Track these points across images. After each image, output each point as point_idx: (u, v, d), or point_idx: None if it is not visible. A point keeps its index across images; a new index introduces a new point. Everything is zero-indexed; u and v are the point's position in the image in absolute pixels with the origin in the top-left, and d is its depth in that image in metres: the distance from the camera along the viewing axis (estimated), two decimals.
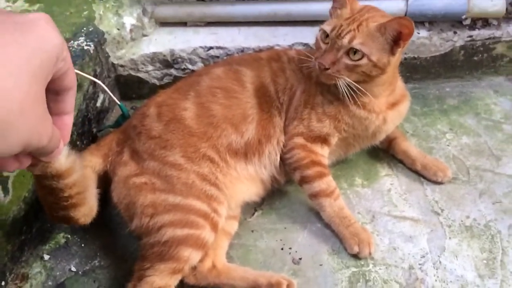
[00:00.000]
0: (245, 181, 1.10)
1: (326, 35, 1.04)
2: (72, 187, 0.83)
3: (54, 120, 0.49)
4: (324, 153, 1.13)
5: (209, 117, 1.07)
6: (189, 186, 1.00)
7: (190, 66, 1.43)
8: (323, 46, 1.05)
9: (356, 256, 1.06)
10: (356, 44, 0.99)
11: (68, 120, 0.51)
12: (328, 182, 1.10)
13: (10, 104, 0.39)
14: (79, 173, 0.83)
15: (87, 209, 0.93)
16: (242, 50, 1.41)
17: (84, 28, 1.33)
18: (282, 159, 1.13)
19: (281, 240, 1.11)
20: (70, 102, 0.50)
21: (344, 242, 1.08)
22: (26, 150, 0.43)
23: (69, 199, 0.86)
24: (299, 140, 1.11)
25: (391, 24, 0.97)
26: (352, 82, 1.02)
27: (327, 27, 1.04)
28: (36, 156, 0.49)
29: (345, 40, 1.00)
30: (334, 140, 1.13)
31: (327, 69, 1.02)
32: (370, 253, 1.05)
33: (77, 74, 1.18)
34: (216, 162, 1.05)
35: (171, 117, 1.06)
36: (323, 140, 1.12)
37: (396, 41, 0.99)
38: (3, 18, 0.42)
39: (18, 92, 0.39)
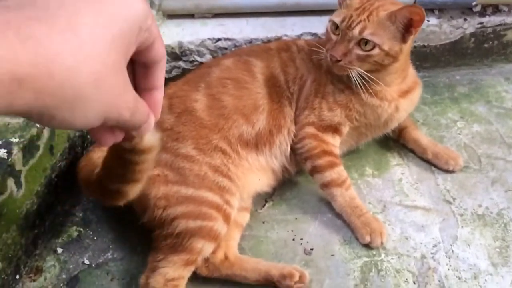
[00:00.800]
0: (257, 172, 1.10)
1: (336, 27, 1.03)
2: (147, 163, 0.82)
3: (144, 96, 0.46)
4: (335, 143, 1.13)
5: (220, 108, 1.07)
6: (201, 177, 1.00)
7: (198, 58, 1.43)
8: (333, 37, 1.04)
9: (368, 246, 1.06)
10: (367, 34, 0.98)
11: (159, 96, 0.48)
12: (339, 172, 1.10)
13: (84, 77, 0.36)
14: (157, 150, 0.83)
15: (140, 186, 0.92)
16: (251, 41, 1.41)
17: None
18: (293, 149, 1.13)
19: (292, 231, 1.12)
20: (159, 76, 0.47)
21: (355, 232, 1.08)
22: (107, 124, 0.41)
23: (137, 173, 0.84)
24: (310, 130, 1.10)
25: (401, 12, 0.97)
26: (365, 72, 1.02)
27: (336, 18, 1.03)
28: (125, 130, 0.47)
29: (356, 31, 0.99)
30: (345, 129, 1.13)
31: (339, 60, 1.01)
32: (382, 243, 1.05)
33: None
34: (228, 154, 1.05)
35: (183, 109, 1.06)
36: (334, 129, 1.12)
37: (407, 28, 0.98)
38: None
39: (93, 63, 0.36)
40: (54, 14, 0.35)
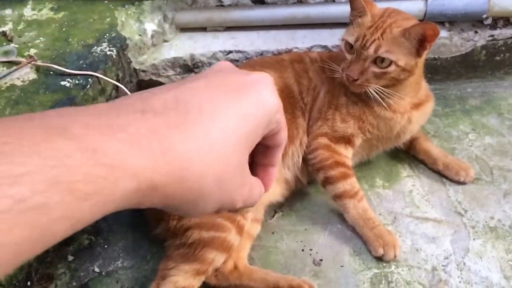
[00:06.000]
0: None
1: (350, 46, 1.04)
2: None
3: (259, 170, 0.48)
4: (348, 154, 1.13)
5: None
6: None
7: None
8: (348, 56, 1.05)
9: (379, 259, 1.05)
10: (382, 52, 0.99)
11: (273, 172, 0.50)
12: (352, 183, 1.10)
13: (208, 180, 0.38)
14: None
15: None
16: (261, 54, 1.42)
17: (107, 34, 1.36)
18: (305, 159, 1.13)
19: (301, 241, 1.11)
20: (278, 156, 0.49)
21: (368, 244, 1.07)
22: (217, 212, 0.44)
23: None
24: (323, 141, 1.11)
25: (415, 28, 0.97)
26: (381, 87, 1.03)
27: (350, 37, 1.04)
28: None
29: (371, 50, 1.00)
30: (358, 141, 1.13)
31: (356, 79, 1.02)
32: (395, 256, 1.04)
33: (100, 78, 1.21)
34: None
35: None
36: (347, 140, 1.12)
37: (422, 43, 0.99)
38: (224, 81, 0.41)
39: (218, 166, 0.38)
40: (193, 121, 0.37)
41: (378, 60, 1.00)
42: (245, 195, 0.44)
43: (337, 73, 1.07)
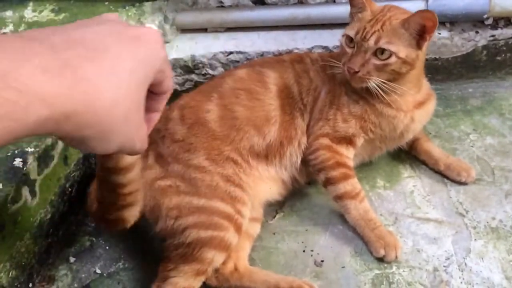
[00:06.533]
0: (267, 181, 1.11)
1: (350, 40, 1.05)
2: (132, 183, 0.86)
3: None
4: (349, 155, 1.12)
5: (232, 119, 1.08)
6: (213, 188, 1.01)
7: (210, 71, 1.45)
8: (349, 50, 1.05)
9: (380, 259, 1.05)
10: (382, 43, 0.99)
11: (155, 118, 0.55)
12: (353, 184, 1.10)
13: (118, 113, 0.42)
14: (138, 168, 0.87)
15: (137, 209, 0.96)
16: (262, 54, 1.42)
17: None
18: (306, 160, 1.13)
19: (302, 242, 1.11)
20: (162, 103, 0.55)
21: (369, 245, 1.07)
22: (118, 152, 0.48)
23: (127, 197, 0.89)
24: (324, 141, 1.11)
25: (414, 18, 0.98)
26: (383, 81, 1.03)
27: (350, 31, 1.04)
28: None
29: (371, 42, 1.00)
30: (359, 141, 1.13)
31: (357, 72, 1.02)
32: (396, 257, 1.04)
33: None
34: (239, 164, 1.06)
35: (194, 120, 1.08)
36: (349, 141, 1.12)
37: (421, 35, 0.99)
38: (121, 30, 0.45)
39: (125, 102, 0.43)
40: (101, 56, 0.41)
41: (379, 52, 1.00)
42: (143, 137, 0.49)
43: (338, 69, 1.08)
